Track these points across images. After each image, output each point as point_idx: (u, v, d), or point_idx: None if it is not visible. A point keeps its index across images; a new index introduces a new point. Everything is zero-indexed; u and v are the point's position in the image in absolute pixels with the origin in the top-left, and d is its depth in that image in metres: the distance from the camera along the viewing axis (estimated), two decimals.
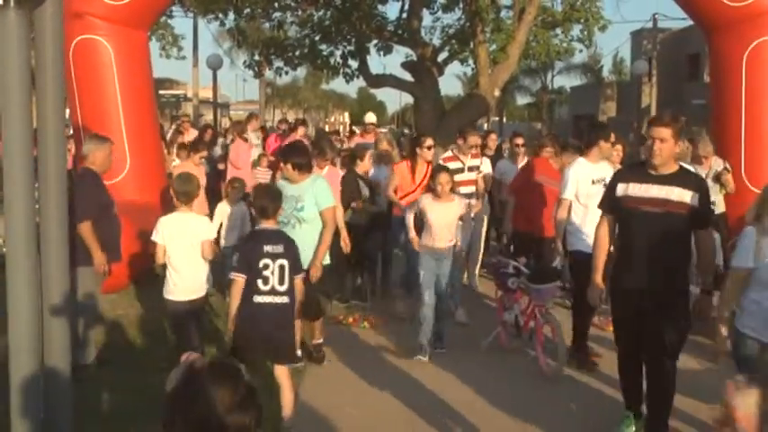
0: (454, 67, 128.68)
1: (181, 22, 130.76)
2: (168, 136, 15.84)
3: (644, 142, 28.00)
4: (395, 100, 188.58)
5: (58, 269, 4.14)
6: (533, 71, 51.62)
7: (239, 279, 5.49)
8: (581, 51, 27.16)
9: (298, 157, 7.02)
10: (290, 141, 8.32)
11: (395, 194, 9.11)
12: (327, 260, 7.12)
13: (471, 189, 9.37)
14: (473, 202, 9.11)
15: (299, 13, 21.50)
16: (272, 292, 5.47)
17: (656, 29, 36.42)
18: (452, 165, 8.92)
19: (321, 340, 7.46)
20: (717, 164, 9.53)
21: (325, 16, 21.09)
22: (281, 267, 5.50)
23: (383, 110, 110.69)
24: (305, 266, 6.22)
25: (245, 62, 26.45)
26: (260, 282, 5.45)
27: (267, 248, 5.49)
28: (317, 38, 21.54)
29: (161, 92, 41.73)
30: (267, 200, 5.73)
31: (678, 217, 5.20)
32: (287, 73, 23.46)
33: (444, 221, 7.62)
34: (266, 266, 5.46)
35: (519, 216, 8.96)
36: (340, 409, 6.25)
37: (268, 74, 31.15)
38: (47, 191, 4.04)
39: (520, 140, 11.03)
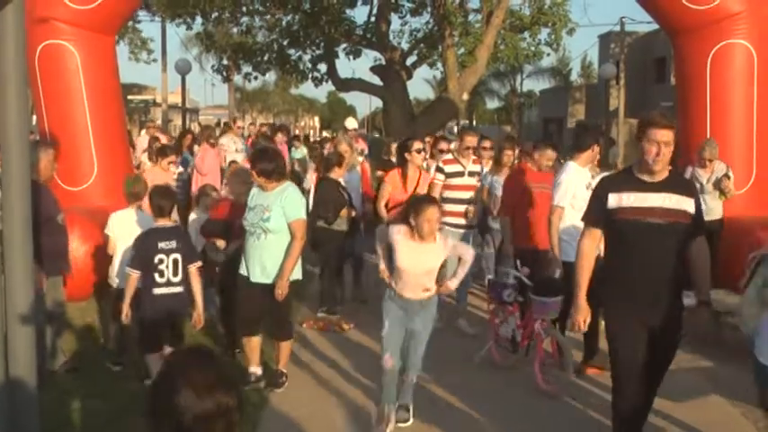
0: (423, 71, 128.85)
1: (149, 27, 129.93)
2: (143, 145, 15.61)
3: (612, 145, 28.08)
4: (365, 104, 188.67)
5: (22, 277, 4.08)
6: (502, 74, 51.88)
7: (134, 274, 6.17)
8: (549, 55, 27.40)
9: (264, 163, 6.37)
10: (260, 147, 8.14)
11: (385, 208, 8.54)
12: (298, 275, 6.58)
13: (470, 195, 8.66)
14: (470, 208, 8.58)
15: (268, 17, 21.47)
16: (168, 283, 6.16)
17: (624, 32, 36.73)
18: (452, 168, 8.62)
19: (285, 369, 6.75)
20: (720, 169, 9.49)
21: (294, 21, 21.10)
22: (175, 261, 6.16)
23: (353, 114, 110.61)
24: (270, 281, 6.37)
25: (213, 66, 26.40)
26: (157, 276, 6.11)
27: (161, 245, 6.11)
28: (285, 42, 21.53)
29: (129, 97, 41.52)
30: (164, 200, 6.31)
31: (681, 226, 4.74)
32: (256, 78, 23.45)
33: (420, 269, 5.74)
34: (161, 261, 6.11)
35: (518, 233, 7.92)
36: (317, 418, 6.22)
37: (237, 79, 31.06)
38: (10, 198, 3.98)
39: (487, 143, 10.33)
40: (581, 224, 6.30)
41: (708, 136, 9.64)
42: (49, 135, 9.57)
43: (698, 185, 9.19)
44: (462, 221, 8.55)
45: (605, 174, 7.03)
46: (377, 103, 30.28)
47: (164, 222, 6.26)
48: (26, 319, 4.06)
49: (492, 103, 64.62)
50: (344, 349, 7.96)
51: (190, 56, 35.96)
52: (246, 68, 23.28)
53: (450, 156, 8.95)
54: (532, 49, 20.47)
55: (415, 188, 8.38)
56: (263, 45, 22.18)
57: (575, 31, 19.65)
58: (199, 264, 6.39)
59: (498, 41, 19.42)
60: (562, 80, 53.51)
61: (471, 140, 8.84)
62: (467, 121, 61.45)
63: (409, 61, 22.29)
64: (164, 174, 9.60)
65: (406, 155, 8.58)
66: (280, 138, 14.59)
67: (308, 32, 20.69)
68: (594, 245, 5.05)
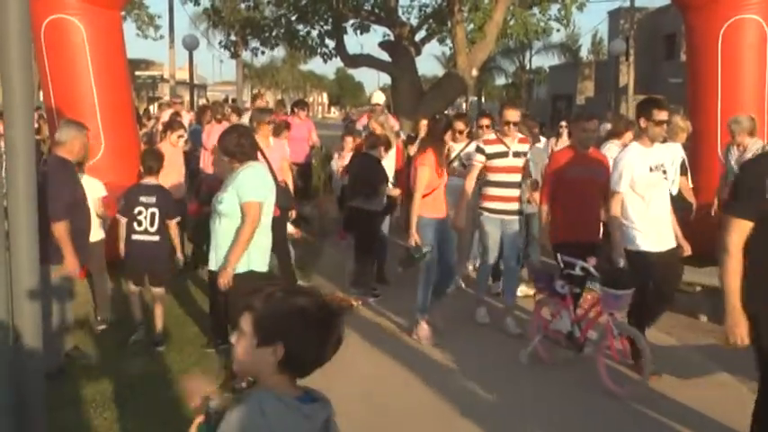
0: (432, 47, 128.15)
1: (157, 2, 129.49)
2: (163, 120, 15.36)
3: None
4: (373, 80, 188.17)
5: (28, 253, 4.07)
6: (511, 51, 51.54)
7: (122, 220, 7.24)
8: (558, 31, 27.19)
9: (226, 141, 6.09)
10: (231, 125, 7.72)
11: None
12: (259, 266, 6.03)
13: (517, 178, 7.89)
14: (526, 187, 8.00)
15: None
16: (145, 232, 7.15)
17: (634, 8, 36.43)
18: (494, 148, 7.84)
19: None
20: (755, 147, 8.58)
21: None
22: (153, 214, 7.14)
23: (361, 91, 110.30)
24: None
25: (220, 42, 26.29)
26: (135, 224, 7.16)
27: (142, 199, 7.16)
28: (293, 17, 21.41)
29: (137, 73, 41.42)
30: (154, 161, 7.38)
31: None
32: (263, 53, 23.42)
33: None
34: (140, 213, 7.14)
35: (558, 225, 7.10)
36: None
37: (245, 55, 30.97)
38: (15, 180, 3.96)
39: (486, 121, 9.73)
40: (643, 208, 6.34)
41: (718, 113, 9.55)
42: (56, 110, 9.55)
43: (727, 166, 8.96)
44: (506, 207, 7.85)
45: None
46: (385, 79, 30.20)
47: (149, 180, 7.32)
48: (32, 296, 4.05)
49: (501, 80, 64.29)
50: (357, 326, 7.98)
51: (197, 32, 35.87)
52: (254, 44, 23.18)
53: (492, 135, 8.19)
54: (542, 24, 20.29)
55: (443, 175, 7.60)
56: (271, 20, 22.07)
57: (585, 6, 19.43)
58: (177, 219, 7.45)
59: (508, 17, 19.26)
60: (571, 57, 53.14)
61: (513, 115, 7.86)
62: (475, 98, 61.23)
63: (418, 37, 22.16)
64: (172, 148, 9.58)
65: (448, 135, 7.64)
66: (303, 115, 14.02)
67: (316, 8, 20.57)
68: (741, 243, 4.16)
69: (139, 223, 7.14)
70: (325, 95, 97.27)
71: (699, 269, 7.90)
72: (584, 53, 58.37)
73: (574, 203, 6.90)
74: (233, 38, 25.81)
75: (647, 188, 6.32)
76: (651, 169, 6.31)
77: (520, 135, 8.03)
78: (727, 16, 9.51)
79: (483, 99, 61.69)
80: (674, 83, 30.17)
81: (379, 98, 12.80)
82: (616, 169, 6.43)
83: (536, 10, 20.48)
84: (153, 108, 20.97)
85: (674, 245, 6.48)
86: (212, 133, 12.12)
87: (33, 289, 4.03)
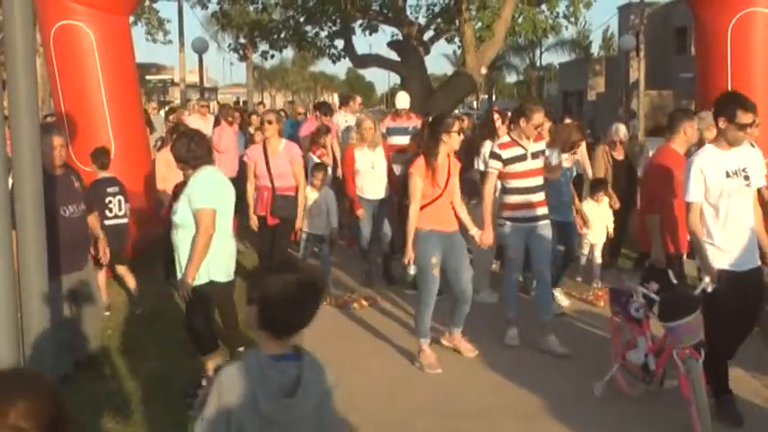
0: (441, 46, 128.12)
1: (167, 6, 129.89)
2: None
3: (632, 117, 27.71)
4: (384, 80, 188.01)
5: (35, 260, 4.09)
6: (521, 48, 51.50)
7: (94, 213, 7.25)
8: (567, 28, 27.05)
9: (175, 148, 5.88)
10: (182, 131, 7.44)
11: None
12: (224, 277, 5.83)
13: (539, 181, 7.28)
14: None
15: None
16: (115, 216, 8.16)
17: (644, 3, 36.24)
18: (510, 152, 7.21)
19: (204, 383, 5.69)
20: None
21: None
22: (119, 201, 8.21)
23: (372, 91, 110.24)
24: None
25: (230, 45, 26.35)
26: (107, 212, 8.04)
27: (108, 190, 8.13)
28: (301, 19, 21.44)
29: (147, 77, 41.50)
30: (103, 157, 8.23)
31: None
32: (272, 56, 23.42)
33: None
34: (110, 201, 8.12)
35: (671, 236, 6.32)
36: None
37: (254, 57, 31.04)
38: (22, 184, 3.98)
39: (495, 117, 9.44)
40: (718, 221, 5.49)
41: None
42: (66, 117, 9.59)
43: None
44: (532, 213, 7.23)
45: None
46: (395, 79, 30.20)
47: (106, 173, 8.26)
48: (40, 303, 4.07)
49: (511, 78, 64.25)
50: (365, 326, 7.99)
51: (207, 35, 35.93)
52: (263, 47, 23.25)
53: (506, 138, 7.51)
54: (550, 22, 20.24)
55: (447, 182, 6.78)
56: (280, 22, 22.12)
57: (591, 5, 19.36)
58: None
59: (516, 15, 19.23)
60: (582, 52, 53.04)
61: (541, 117, 7.27)
62: (486, 96, 61.14)
63: (426, 36, 22.17)
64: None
65: (444, 136, 6.71)
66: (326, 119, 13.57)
67: (324, 9, 20.60)
68: None
69: (110, 210, 8.14)
70: (336, 96, 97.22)
71: None
72: (594, 49, 58.32)
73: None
74: (242, 40, 25.87)
75: (722, 197, 5.48)
76: (728, 175, 5.48)
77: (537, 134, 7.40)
78: (737, 9, 9.44)
79: (494, 97, 61.63)
80: (685, 77, 30.05)
81: (404, 102, 11.41)
82: (686, 176, 5.59)
83: (544, 7, 20.44)
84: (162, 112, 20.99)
85: (757, 263, 5.64)
86: (223, 135, 12.18)
87: (42, 295, 4.05)
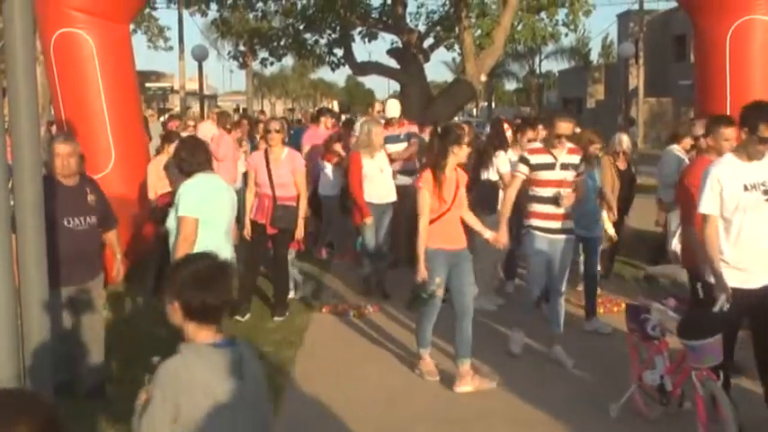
0: (441, 54, 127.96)
1: (166, 14, 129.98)
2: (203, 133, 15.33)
3: (631, 125, 27.82)
4: (383, 88, 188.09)
5: (36, 268, 4.09)
6: (521, 56, 51.61)
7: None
8: (566, 35, 27.05)
9: (176, 155, 6.00)
10: (182, 138, 7.39)
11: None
12: None
13: (563, 192, 6.94)
14: (565, 194, 6.88)
15: (283, 2, 21.42)
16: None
17: (643, 11, 36.37)
18: (539, 159, 6.96)
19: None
20: None
21: (309, 4, 21.01)
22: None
23: (372, 98, 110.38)
24: None
25: (229, 53, 26.40)
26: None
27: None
28: (301, 27, 21.48)
29: (147, 84, 41.62)
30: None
31: None
32: (272, 64, 23.46)
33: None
34: None
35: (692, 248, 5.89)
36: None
37: (254, 65, 31.12)
38: (22, 191, 3.98)
39: (505, 127, 9.28)
40: (731, 235, 5.19)
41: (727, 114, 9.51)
42: (66, 124, 9.60)
43: None
44: (553, 225, 6.98)
45: None
46: (395, 86, 30.20)
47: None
48: (40, 313, 4.06)
49: (511, 85, 64.34)
50: (364, 333, 7.98)
51: (206, 42, 36.00)
52: (263, 54, 23.31)
53: (537, 144, 7.39)
54: (549, 29, 20.27)
55: (455, 196, 6.55)
56: (279, 30, 22.17)
57: (591, 13, 19.41)
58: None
59: (515, 22, 19.26)
60: (581, 60, 53.15)
61: (566, 128, 6.95)
62: (485, 103, 61.21)
63: (426, 44, 22.20)
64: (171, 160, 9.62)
65: (454, 148, 6.44)
66: (330, 122, 13.59)
67: (323, 16, 20.64)
68: None
69: None
70: (335, 104, 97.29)
71: None
72: (594, 56, 58.42)
73: None
74: (242, 48, 25.93)
75: (738, 211, 5.17)
76: (746, 188, 5.15)
77: (570, 145, 7.08)
78: (736, 17, 9.46)
79: (494, 104, 61.72)
80: (684, 85, 30.10)
81: (395, 110, 10.92)
82: (702, 186, 5.27)
83: (544, 15, 20.47)
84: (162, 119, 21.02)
85: None
86: (221, 143, 12.18)
87: (41, 302, 4.05)
